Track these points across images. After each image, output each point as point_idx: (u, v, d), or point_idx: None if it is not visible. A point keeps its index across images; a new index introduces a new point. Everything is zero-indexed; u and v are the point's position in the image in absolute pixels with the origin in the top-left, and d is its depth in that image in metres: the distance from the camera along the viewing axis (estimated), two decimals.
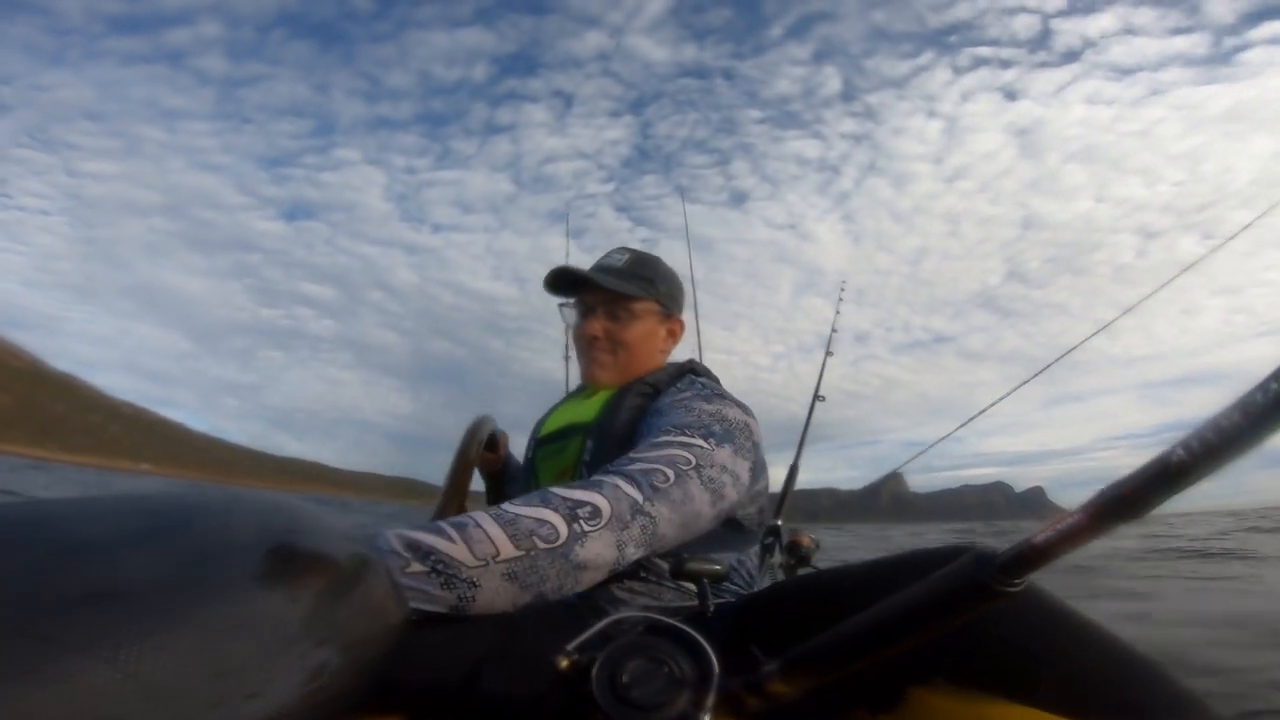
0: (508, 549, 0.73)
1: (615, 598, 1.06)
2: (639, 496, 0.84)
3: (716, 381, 1.25)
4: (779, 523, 1.97)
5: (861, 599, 0.76)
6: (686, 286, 1.41)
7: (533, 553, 0.73)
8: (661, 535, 0.85)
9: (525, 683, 0.88)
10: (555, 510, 0.77)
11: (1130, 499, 0.39)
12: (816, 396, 2.67)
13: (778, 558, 1.92)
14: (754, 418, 1.10)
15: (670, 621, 0.63)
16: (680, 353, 1.38)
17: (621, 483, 0.84)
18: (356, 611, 0.54)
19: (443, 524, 0.73)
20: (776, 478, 1.36)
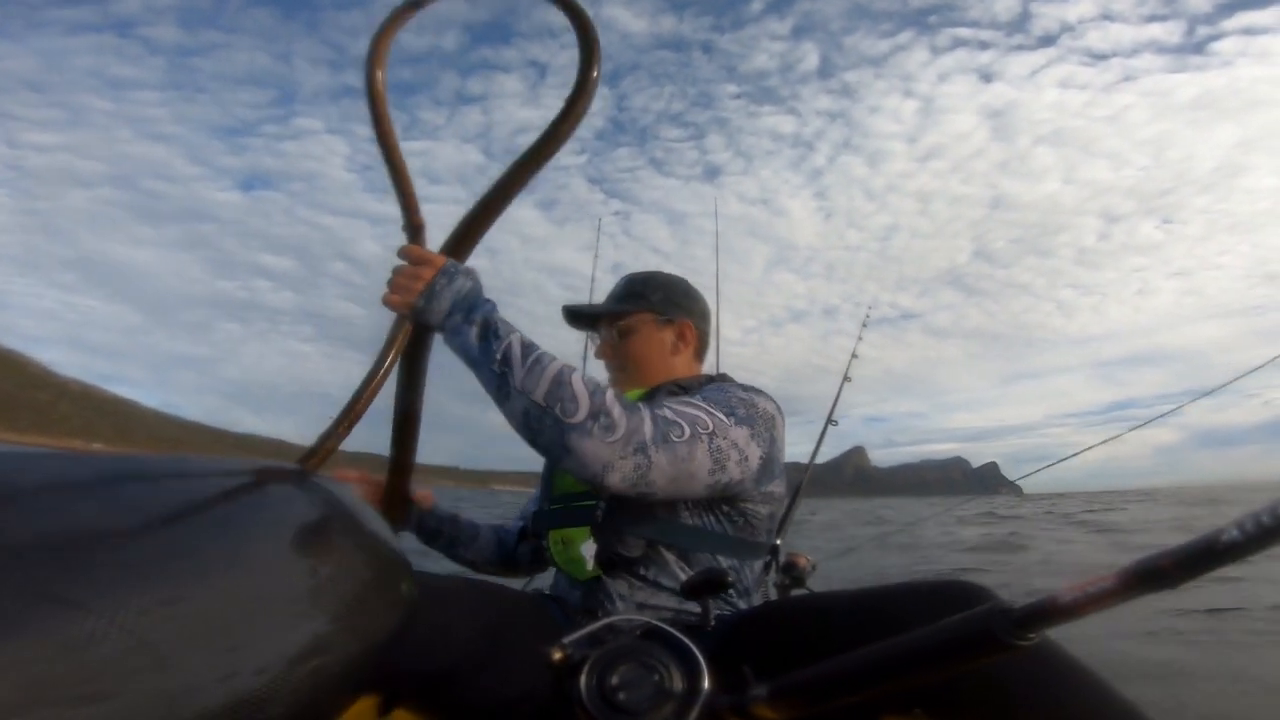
0: (538, 395, 0.92)
1: (617, 594, 1.12)
2: (648, 439, 0.94)
3: None
4: (778, 542, 1.95)
5: (855, 627, 0.81)
6: (709, 281, 1.58)
7: (549, 410, 0.91)
8: (651, 481, 0.95)
9: (512, 678, 0.91)
10: (590, 401, 0.93)
11: (1168, 572, 0.38)
12: (830, 420, 2.63)
13: (773, 576, 1.89)
14: (783, 416, 1.19)
15: (669, 629, 0.65)
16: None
17: (647, 420, 0.95)
18: (370, 591, 0.55)
19: (534, 347, 0.97)
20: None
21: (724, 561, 1.15)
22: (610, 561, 1.11)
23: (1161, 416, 2.56)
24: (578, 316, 1.46)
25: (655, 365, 1.35)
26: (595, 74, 1.05)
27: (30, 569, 0.34)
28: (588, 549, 1.14)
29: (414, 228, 1.04)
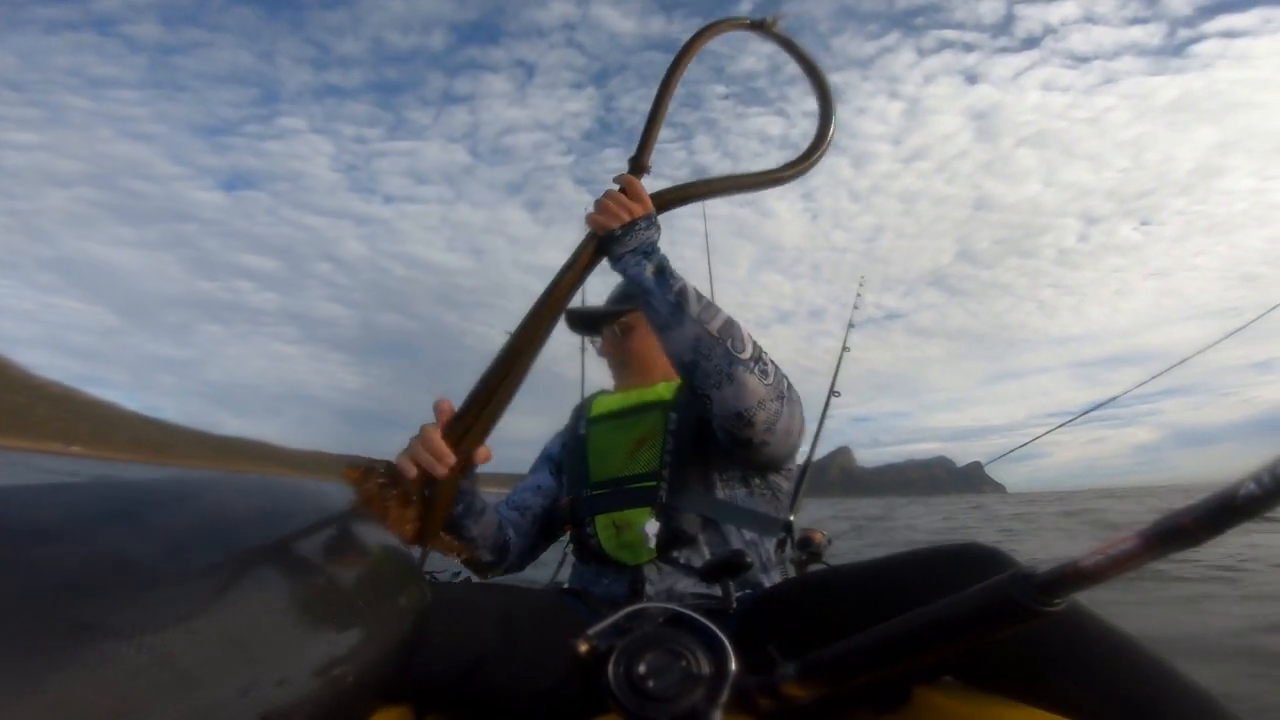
0: (713, 327, 1.06)
1: (647, 580, 1.15)
2: (785, 389, 1.09)
3: None
4: (791, 518, 1.97)
5: (877, 596, 0.84)
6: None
7: (721, 341, 1.05)
8: (776, 430, 1.08)
9: (539, 676, 0.91)
10: (753, 345, 1.08)
11: (1190, 530, 0.38)
12: (832, 392, 2.65)
13: (789, 553, 1.92)
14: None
15: (692, 615, 0.65)
16: None
17: (785, 375, 1.10)
18: (382, 598, 0.56)
19: (698, 292, 1.11)
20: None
21: (748, 536, 1.20)
22: (675, 540, 1.15)
23: (1108, 401, 2.55)
24: (578, 319, 1.51)
25: (655, 362, 1.41)
26: (832, 132, 1.26)
27: (52, 597, 0.35)
28: (650, 528, 1.15)
29: (641, 167, 1.18)
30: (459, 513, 1.16)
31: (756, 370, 1.05)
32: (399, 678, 0.60)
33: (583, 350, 2.69)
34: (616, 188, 1.17)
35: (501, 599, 1.05)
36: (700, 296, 1.10)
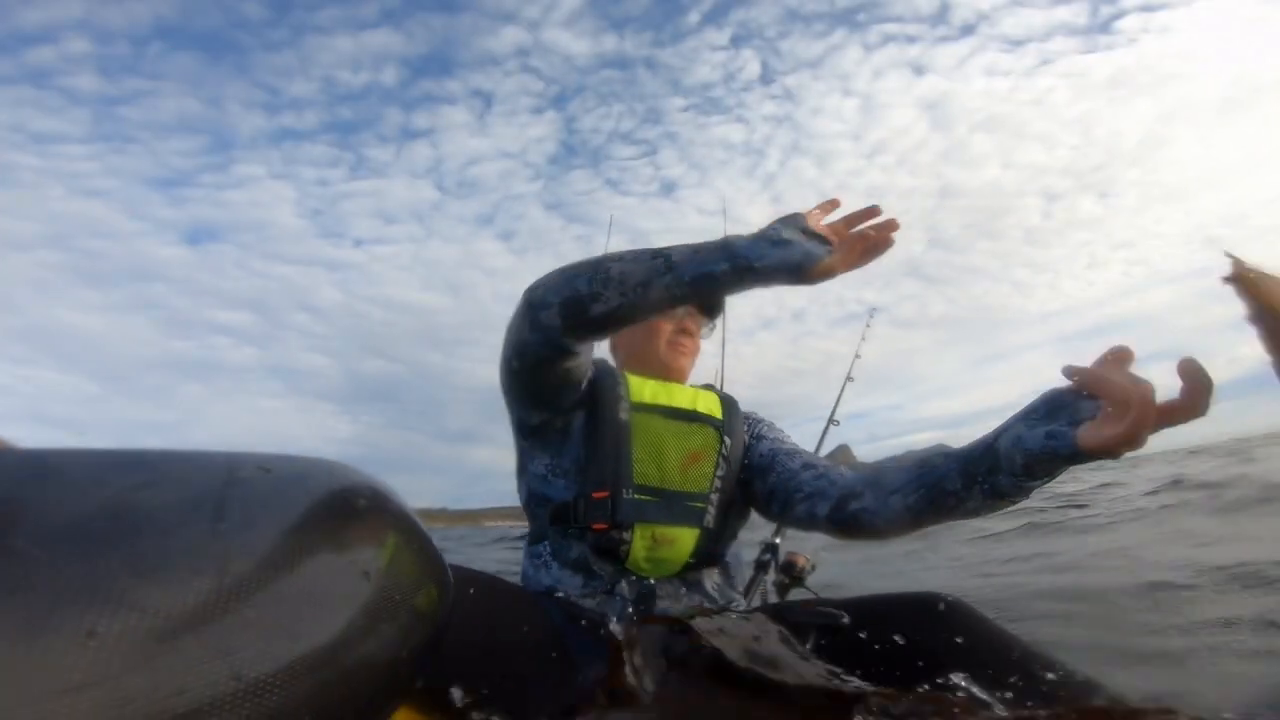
0: None
1: (656, 592, 1.13)
2: None
3: None
4: (777, 540, 1.92)
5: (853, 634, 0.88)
6: None
7: None
8: None
9: (516, 678, 0.87)
10: None
11: None
12: (831, 420, 2.59)
13: (772, 575, 1.89)
14: None
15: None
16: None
17: None
18: (404, 589, 0.51)
19: None
20: None
21: (730, 550, 1.25)
22: (708, 561, 1.16)
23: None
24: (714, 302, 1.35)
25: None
26: None
27: (54, 570, 0.33)
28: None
29: None
30: None
31: None
32: (423, 672, 0.57)
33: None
34: None
35: (488, 595, 0.95)
36: None
